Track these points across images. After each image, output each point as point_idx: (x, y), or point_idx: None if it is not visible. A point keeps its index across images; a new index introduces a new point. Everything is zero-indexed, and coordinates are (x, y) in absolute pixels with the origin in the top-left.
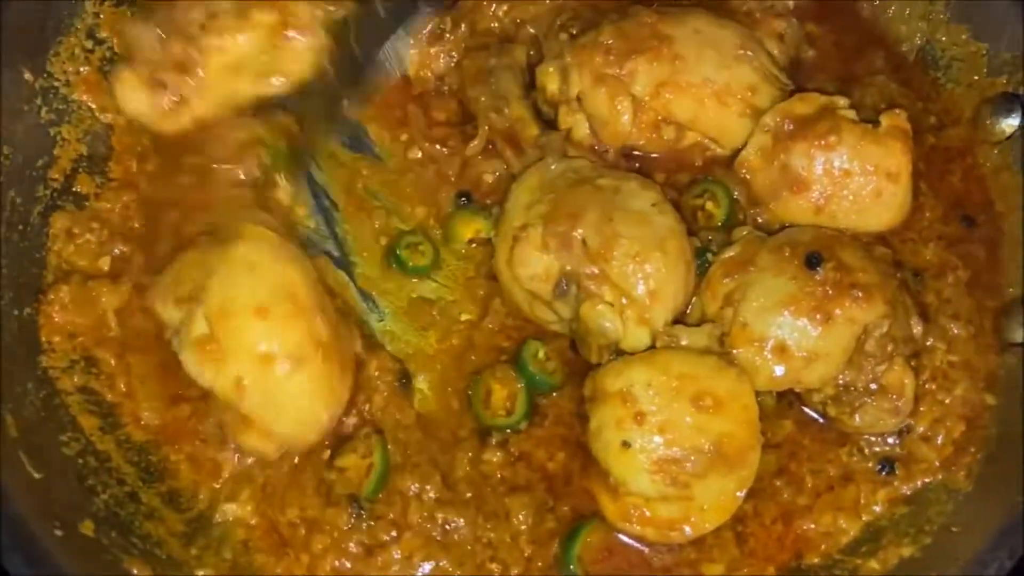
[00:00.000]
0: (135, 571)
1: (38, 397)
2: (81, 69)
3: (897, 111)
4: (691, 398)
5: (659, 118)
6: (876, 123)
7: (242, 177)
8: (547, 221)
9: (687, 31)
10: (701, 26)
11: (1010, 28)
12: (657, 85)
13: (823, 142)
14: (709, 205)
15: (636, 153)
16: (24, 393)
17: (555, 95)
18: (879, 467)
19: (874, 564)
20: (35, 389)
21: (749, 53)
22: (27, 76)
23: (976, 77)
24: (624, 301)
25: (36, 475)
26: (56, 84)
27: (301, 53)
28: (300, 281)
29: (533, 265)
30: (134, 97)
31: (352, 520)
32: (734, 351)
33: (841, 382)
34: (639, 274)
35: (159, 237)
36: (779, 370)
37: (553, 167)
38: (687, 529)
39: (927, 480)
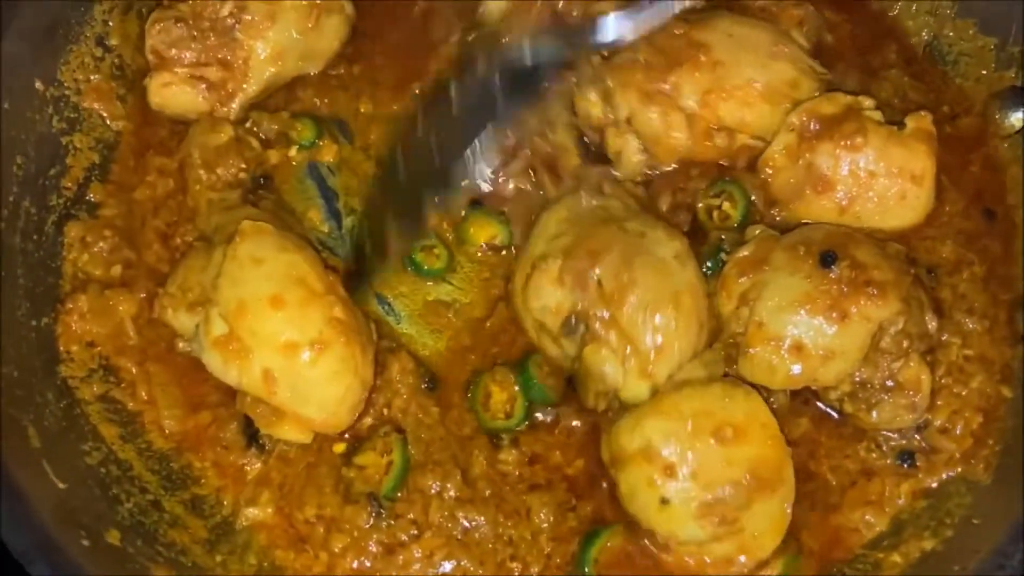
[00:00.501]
0: None
1: (58, 407)
2: (91, 77)
3: (923, 113)
4: (712, 434)
5: (711, 126)
6: (901, 124)
7: (226, 180)
8: (567, 256)
9: (720, 35)
10: (731, 28)
11: (1017, 22)
12: (704, 93)
13: (849, 143)
14: (726, 205)
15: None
16: (44, 403)
17: (600, 120)
18: (899, 460)
19: (896, 558)
20: (55, 399)
21: (785, 49)
22: (38, 85)
23: (984, 72)
24: (628, 350)
25: (60, 485)
26: (67, 93)
27: (334, 31)
28: (308, 268)
29: (546, 297)
30: (180, 99)
31: (372, 519)
32: (750, 350)
33: (858, 379)
34: (649, 326)
35: (148, 242)
36: (796, 369)
37: (585, 202)
38: (742, 559)
39: (949, 473)
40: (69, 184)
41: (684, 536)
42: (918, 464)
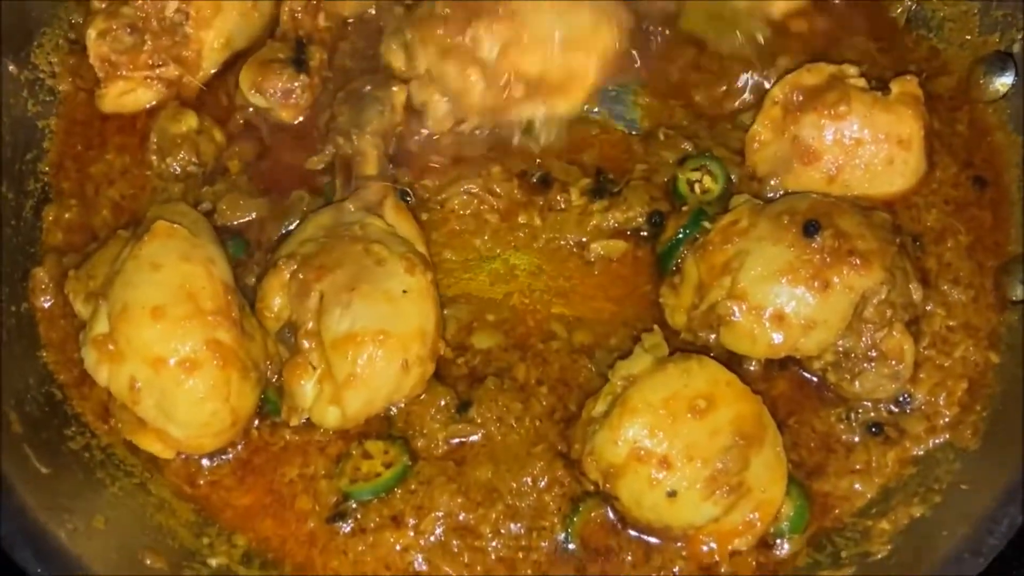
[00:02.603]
0: (148, 562)
1: (40, 392)
2: (66, 60)
3: (908, 77)
4: (688, 412)
5: (510, 78)
6: (886, 89)
7: (174, 171)
8: (302, 264)
9: None
10: None
11: None
12: (503, 46)
13: (833, 112)
14: (707, 180)
15: None
16: (26, 388)
17: (403, 72)
18: (871, 429)
19: (885, 525)
20: (36, 384)
21: None
22: (11, 69)
23: (968, 37)
24: (326, 375)
25: (43, 470)
26: (41, 76)
27: (269, 8)
28: (204, 283)
29: (270, 299)
30: (141, 100)
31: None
32: (732, 319)
33: (840, 349)
34: (349, 355)
35: (99, 209)
36: (778, 338)
37: (350, 213)
38: (756, 516)
39: (936, 440)
40: (47, 168)
41: (700, 519)
42: (889, 435)
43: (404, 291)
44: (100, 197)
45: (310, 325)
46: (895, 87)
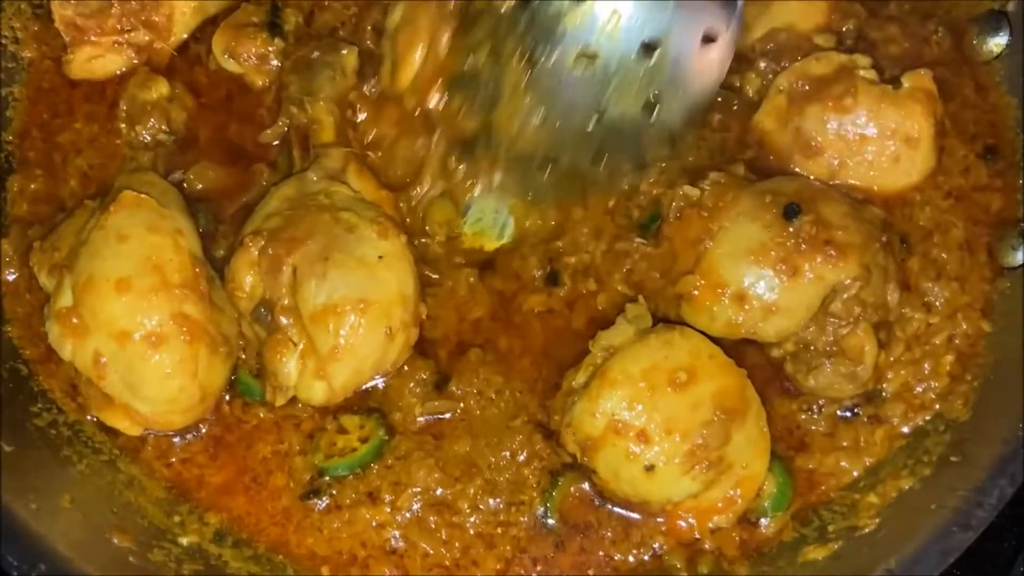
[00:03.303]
0: (116, 541)
1: (4, 368)
2: (28, 26)
3: (922, 71)
4: (668, 385)
5: None
6: (897, 83)
7: (143, 139)
8: (270, 239)
9: None
10: None
11: None
12: None
13: (837, 104)
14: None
15: None
16: None
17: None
18: (847, 413)
19: (873, 498)
20: (1, 360)
21: None
22: None
23: None
24: (308, 349)
25: (7, 448)
26: (3, 42)
27: None
28: (171, 255)
29: (241, 278)
30: (110, 67)
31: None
32: (694, 292)
33: (802, 340)
34: (330, 327)
35: (66, 178)
36: (736, 318)
37: (312, 184)
38: (737, 492)
39: (923, 418)
40: (11, 137)
41: (678, 495)
42: (866, 417)
43: (379, 256)
44: (68, 167)
45: (286, 301)
46: (907, 81)
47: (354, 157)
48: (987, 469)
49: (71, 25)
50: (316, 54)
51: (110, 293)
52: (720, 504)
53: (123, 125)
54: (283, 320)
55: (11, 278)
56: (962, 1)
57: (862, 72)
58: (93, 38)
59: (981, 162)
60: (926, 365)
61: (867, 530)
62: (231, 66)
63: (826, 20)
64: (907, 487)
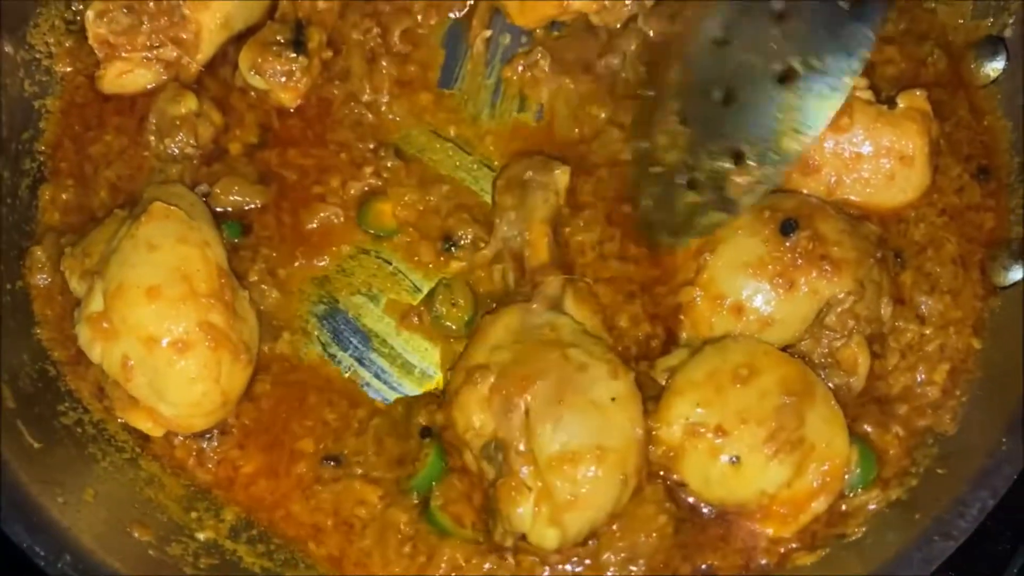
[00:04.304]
0: (136, 535)
1: (34, 368)
2: (62, 40)
3: (917, 91)
4: (732, 381)
5: None
6: (893, 102)
7: (171, 152)
8: (500, 375)
9: None
10: None
11: None
12: None
13: (834, 124)
14: None
15: None
16: (20, 365)
17: None
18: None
19: (861, 507)
20: (30, 360)
21: None
22: (8, 49)
23: (961, 21)
24: (543, 495)
25: (35, 445)
26: (38, 56)
27: None
28: (200, 265)
29: (470, 416)
30: (140, 82)
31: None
32: (694, 301)
33: (797, 351)
34: (567, 475)
35: (96, 190)
36: (734, 329)
37: (536, 316)
38: (827, 469)
39: (922, 423)
40: (43, 147)
41: (771, 484)
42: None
43: (612, 399)
44: (98, 178)
45: (521, 446)
46: (902, 101)
47: (571, 283)
48: (970, 481)
49: (104, 42)
50: (529, 174)
51: (140, 300)
52: (815, 486)
53: (152, 138)
54: (517, 463)
55: (43, 283)
56: (960, 25)
57: (858, 92)
58: (124, 54)
59: (975, 182)
60: (920, 373)
61: (853, 537)
62: (257, 82)
63: None
64: (895, 496)
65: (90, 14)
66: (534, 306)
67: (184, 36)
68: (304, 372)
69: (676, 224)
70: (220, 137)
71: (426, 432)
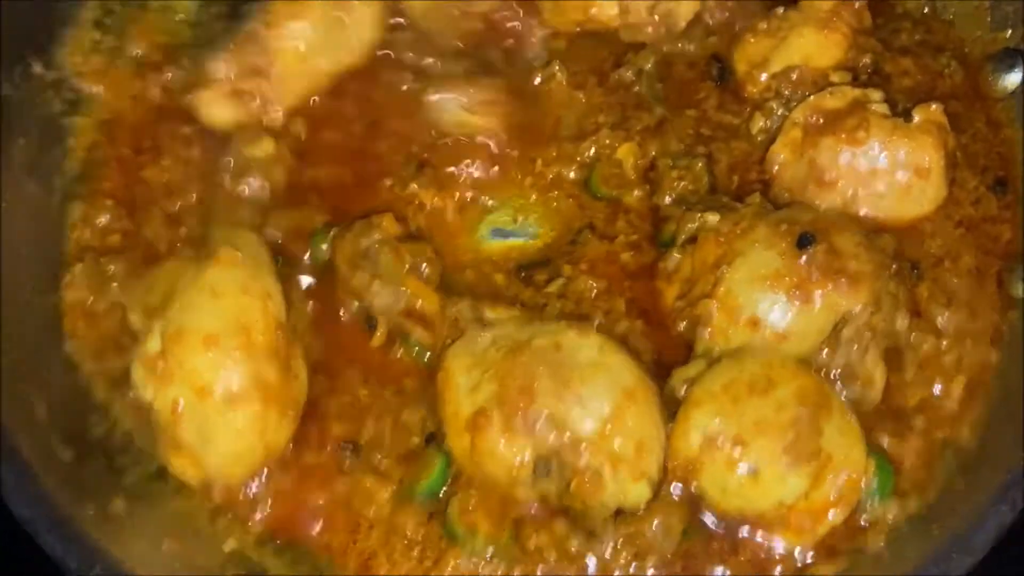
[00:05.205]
0: (165, 546)
1: (64, 382)
2: (90, 59)
3: (933, 105)
4: (750, 392)
5: None
6: (909, 116)
7: (243, 193)
8: (500, 403)
9: None
10: None
11: None
12: None
13: (851, 137)
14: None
15: None
16: (51, 378)
17: None
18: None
19: (881, 520)
20: (61, 374)
21: None
22: (37, 69)
23: (979, 33)
24: (613, 463)
25: (67, 458)
26: (66, 75)
27: (365, 18)
28: (259, 317)
29: (503, 455)
30: (223, 114)
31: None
32: (712, 314)
33: (814, 364)
34: (619, 431)
35: (150, 219)
36: (751, 342)
37: (478, 340)
38: (844, 480)
39: (939, 436)
40: (72, 165)
41: (790, 494)
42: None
43: (600, 348)
44: (152, 207)
45: (563, 440)
46: (918, 114)
47: (472, 300)
48: (989, 495)
49: (200, 71)
50: (362, 242)
51: (198, 347)
52: (833, 498)
53: (227, 177)
54: (573, 459)
55: (79, 300)
56: (977, 37)
57: (874, 106)
58: (213, 83)
59: (991, 194)
60: (938, 385)
61: (873, 551)
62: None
63: (843, 55)
64: (913, 510)
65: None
66: (471, 333)
67: (264, 66)
68: None
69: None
70: (293, 181)
71: (430, 438)
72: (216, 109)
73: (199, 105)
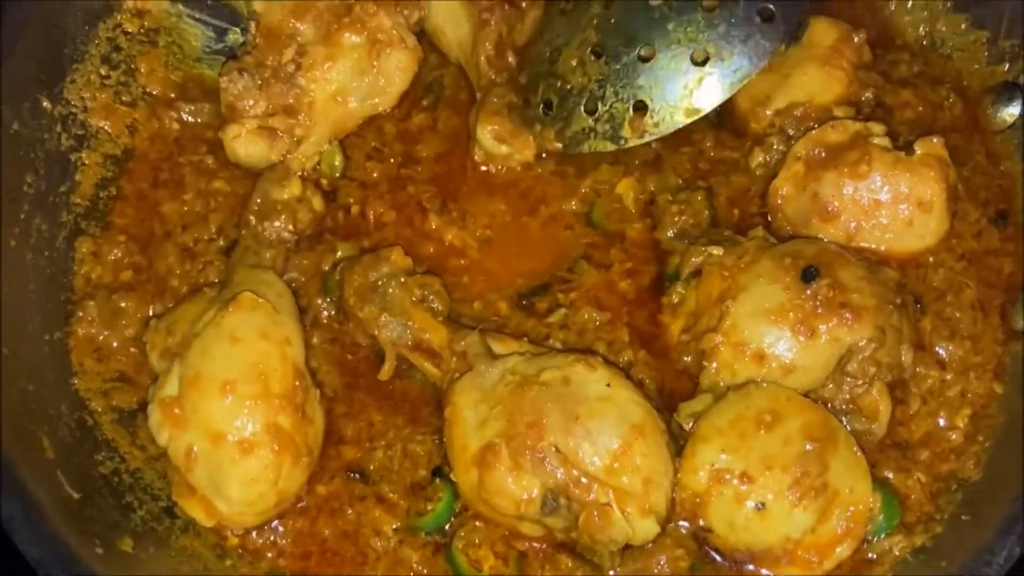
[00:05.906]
0: None
1: (72, 419)
2: (97, 95)
3: (934, 138)
4: (756, 427)
5: None
6: (910, 149)
7: (269, 236)
8: (509, 439)
9: None
10: None
11: (1010, 14)
12: None
13: (853, 171)
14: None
15: None
16: (58, 415)
17: None
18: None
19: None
20: (69, 411)
21: None
22: (45, 104)
23: (976, 66)
24: (620, 499)
25: (74, 494)
26: (74, 111)
27: (399, 66)
28: (277, 364)
29: (511, 491)
30: (250, 150)
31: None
32: (717, 349)
33: (819, 398)
34: (627, 467)
35: (165, 254)
36: (757, 376)
37: (487, 374)
38: (850, 515)
39: (945, 469)
40: (79, 200)
41: (796, 530)
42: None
43: (607, 384)
44: (166, 240)
45: (571, 476)
46: (919, 148)
47: (479, 333)
48: (996, 528)
49: (227, 105)
50: (371, 275)
51: (214, 393)
52: (839, 532)
53: (252, 218)
54: (582, 494)
55: (84, 335)
56: (976, 71)
57: (876, 139)
58: (242, 119)
59: (993, 227)
60: (942, 418)
61: None
62: (499, 149)
63: (845, 91)
64: (920, 543)
65: (221, 78)
66: (480, 368)
67: (295, 105)
68: None
69: (565, 136)
70: (317, 223)
71: (437, 472)
72: (244, 145)
73: (226, 139)
